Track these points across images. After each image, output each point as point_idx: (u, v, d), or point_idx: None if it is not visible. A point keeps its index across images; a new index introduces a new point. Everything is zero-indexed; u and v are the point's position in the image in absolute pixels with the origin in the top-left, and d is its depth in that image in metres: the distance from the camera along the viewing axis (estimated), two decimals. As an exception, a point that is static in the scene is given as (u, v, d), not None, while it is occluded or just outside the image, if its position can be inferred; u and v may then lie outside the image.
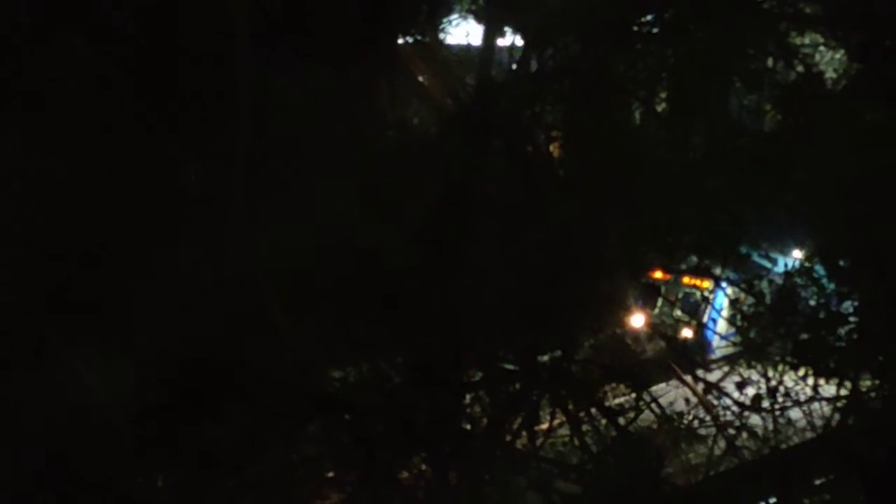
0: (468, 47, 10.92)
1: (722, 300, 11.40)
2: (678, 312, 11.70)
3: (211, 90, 9.06)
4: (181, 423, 8.75)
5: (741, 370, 10.34)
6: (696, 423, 10.18)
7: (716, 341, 11.30)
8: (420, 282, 9.62)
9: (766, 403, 10.12)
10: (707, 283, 11.68)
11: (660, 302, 11.82)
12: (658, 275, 11.28)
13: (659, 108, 10.81)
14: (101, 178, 8.87)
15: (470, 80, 10.35)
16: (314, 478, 9.75)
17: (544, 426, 10.23)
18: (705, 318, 11.49)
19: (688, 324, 11.36)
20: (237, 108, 8.84)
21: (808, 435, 10.18)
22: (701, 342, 11.35)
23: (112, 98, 8.90)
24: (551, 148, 10.66)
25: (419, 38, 10.51)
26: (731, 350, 10.83)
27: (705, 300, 11.57)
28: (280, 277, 8.91)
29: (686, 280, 12.07)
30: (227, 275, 8.82)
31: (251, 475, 9.11)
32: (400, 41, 10.49)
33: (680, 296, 12.33)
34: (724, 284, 10.96)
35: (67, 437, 8.60)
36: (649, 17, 10.42)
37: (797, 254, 10.64)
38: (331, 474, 9.84)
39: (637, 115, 10.88)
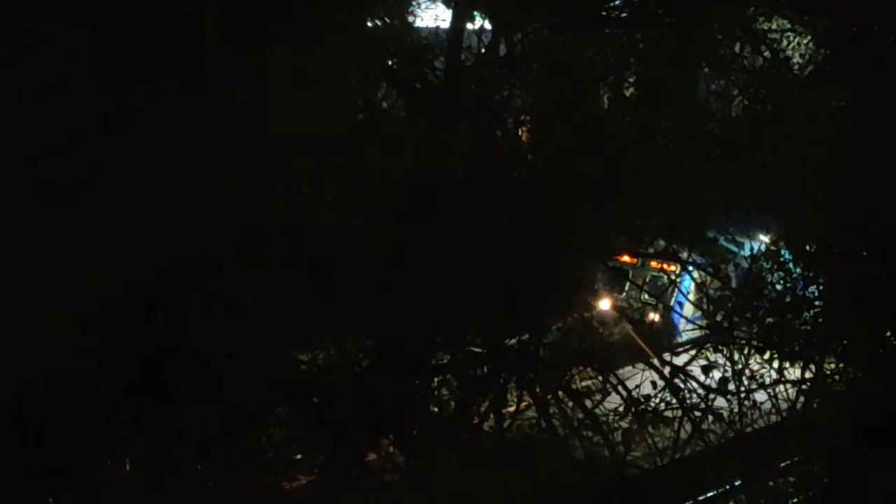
0: (437, 31, 10.88)
1: (689, 284, 11.50)
2: (645, 296, 11.84)
3: (178, 74, 8.98)
4: (149, 405, 8.71)
5: (707, 354, 10.44)
6: (662, 406, 10.17)
7: (682, 325, 11.42)
8: (388, 264, 9.76)
9: (731, 387, 10.26)
10: (674, 268, 11.88)
11: (627, 286, 12.04)
12: (625, 259, 11.43)
13: (627, 93, 11.02)
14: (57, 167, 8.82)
15: (439, 64, 10.30)
16: (282, 461, 9.72)
17: (511, 409, 10.25)
18: (672, 302, 11.66)
19: (654, 307, 11.48)
20: (206, 93, 8.89)
21: (774, 418, 10.38)
22: (667, 326, 11.52)
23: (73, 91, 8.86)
24: (520, 132, 10.79)
25: (388, 20, 10.46)
26: (697, 334, 10.90)
27: (672, 284, 11.73)
28: (247, 258, 8.99)
29: (653, 264, 12.40)
30: (194, 256, 8.89)
31: (219, 458, 9.04)
32: (369, 24, 10.45)
33: (647, 280, 12.71)
34: (690, 268, 11.08)
35: (34, 418, 8.64)
36: (618, 2, 10.55)
37: (764, 238, 10.93)
38: (298, 457, 9.83)
39: (605, 99, 11.03)
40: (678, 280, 11.74)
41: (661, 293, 11.86)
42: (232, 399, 9.01)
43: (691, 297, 11.34)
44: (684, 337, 11.38)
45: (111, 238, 8.63)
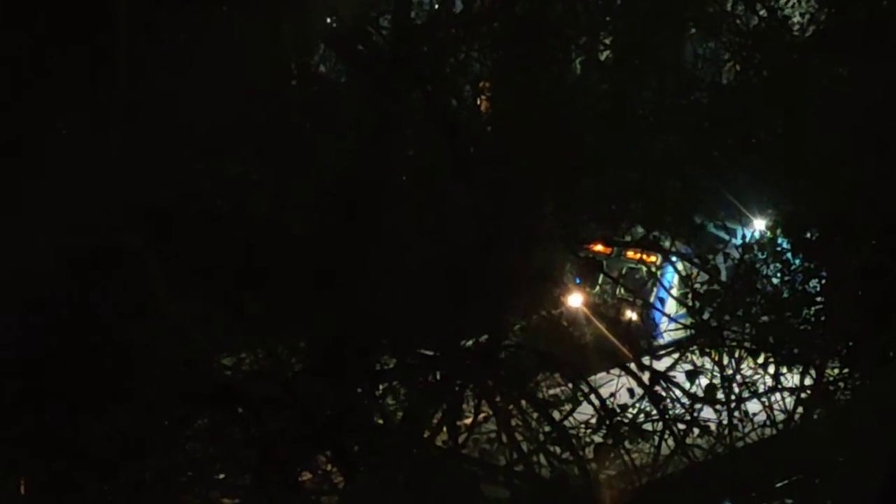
0: (384, -17, 10.99)
1: (672, 277, 11.52)
2: (621, 291, 11.84)
3: (82, 28, 8.77)
4: (47, 417, 8.60)
5: (693, 357, 10.39)
6: (641, 417, 10.13)
7: (664, 324, 11.37)
8: (326, 253, 9.60)
9: (720, 395, 10.16)
10: (654, 258, 11.86)
11: (601, 279, 11.96)
12: (598, 248, 11.36)
13: (602, 57, 10.93)
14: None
15: (385, 23, 10.23)
16: (202, 481, 9.61)
17: (468, 421, 10.20)
18: (652, 298, 11.59)
19: (632, 304, 11.42)
20: (115, 52, 8.59)
21: (768, 431, 10.28)
22: (646, 325, 11.42)
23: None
24: (479, 101, 10.74)
25: (326, -28, 10.58)
26: (681, 334, 10.84)
27: (652, 277, 11.72)
28: (161, 247, 8.79)
29: (630, 254, 12.32)
30: (99, 245, 8.66)
31: (128, 478, 8.93)
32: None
33: (623, 272, 12.66)
34: (674, 259, 11.09)
35: None
36: (591, -49, 10.52)
37: (759, 224, 10.82)
38: (221, 476, 9.73)
39: (577, 64, 10.95)
40: (659, 273, 11.69)
41: (639, 288, 11.83)
42: (144, 409, 8.81)
43: (675, 291, 11.23)
44: (666, 338, 11.26)
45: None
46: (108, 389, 8.69)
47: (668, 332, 11.26)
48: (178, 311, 8.85)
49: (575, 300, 10.63)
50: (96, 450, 8.66)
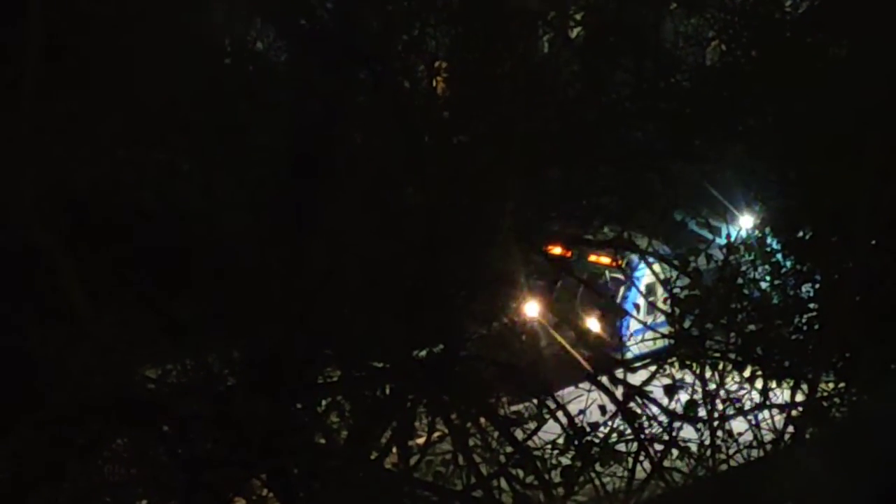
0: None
1: (642, 280, 11.75)
2: (578, 301, 11.91)
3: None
4: None
5: (672, 370, 10.38)
6: (613, 437, 10.07)
7: (638, 335, 11.46)
8: (262, 253, 9.52)
9: (702, 412, 10.16)
10: (620, 262, 11.92)
11: (558, 285, 12.04)
12: (557, 250, 11.46)
13: (573, 35, 10.92)
14: None
15: None
16: None
17: (420, 440, 10.24)
18: (621, 303, 11.65)
19: (595, 313, 11.44)
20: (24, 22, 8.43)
21: (755, 453, 10.26)
22: (612, 337, 11.51)
23: None
24: (434, 83, 10.62)
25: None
26: (659, 344, 10.85)
27: (616, 282, 11.56)
28: (77, 245, 8.67)
29: (593, 258, 12.63)
30: (5, 245, 8.58)
31: None
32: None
33: (584, 277, 12.67)
34: (651, 260, 11.06)
35: None
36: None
37: (745, 222, 11.00)
38: (144, 503, 9.68)
39: (545, 43, 10.93)
40: (627, 277, 11.91)
41: (605, 294, 11.91)
42: (56, 428, 8.72)
43: (653, 297, 11.43)
44: (642, 349, 11.33)
45: None
46: (16, 406, 8.61)
47: (644, 342, 11.30)
48: (96, 317, 8.73)
49: (535, 307, 10.61)
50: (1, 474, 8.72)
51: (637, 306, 11.50)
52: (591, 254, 12.22)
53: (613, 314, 11.45)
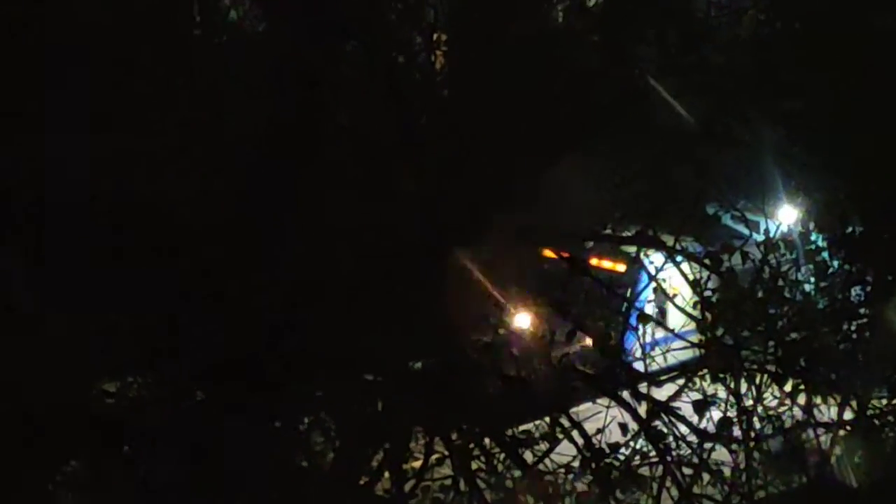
0: None
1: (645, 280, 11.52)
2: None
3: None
4: None
5: (703, 384, 10.25)
6: (636, 459, 9.93)
7: (635, 345, 11.22)
8: (237, 246, 9.35)
9: (737, 431, 10.00)
10: (620, 266, 12.30)
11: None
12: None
13: (591, 1, 10.71)
14: None
15: None
16: None
17: (416, 463, 10.08)
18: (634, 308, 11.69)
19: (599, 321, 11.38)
20: None
21: (797, 478, 10.27)
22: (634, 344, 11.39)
23: None
24: (433, 57, 10.65)
25: None
26: (688, 355, 10.70)
27: (619, 285, 11.73)
28: (23, 239, 8.72)
29: (594, 262, 12.52)
30: None
31: None
32: None
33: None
34: (679, 259, 10.86)
35: None
36: None
37: (787, 216, 10.94)
38: None
39: (559, 10, 10.81)
40: (635, 279, 11.76)
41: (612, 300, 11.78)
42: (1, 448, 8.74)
43: (681, 301, 11.06)
44: (669, 360, 11.04)
45: None
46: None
47: (670, 351, 11.07)
48: (46, 323, 8.63)
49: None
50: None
51: (663, 311, 11.39)
52: (602, 259, 12.34)
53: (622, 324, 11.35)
